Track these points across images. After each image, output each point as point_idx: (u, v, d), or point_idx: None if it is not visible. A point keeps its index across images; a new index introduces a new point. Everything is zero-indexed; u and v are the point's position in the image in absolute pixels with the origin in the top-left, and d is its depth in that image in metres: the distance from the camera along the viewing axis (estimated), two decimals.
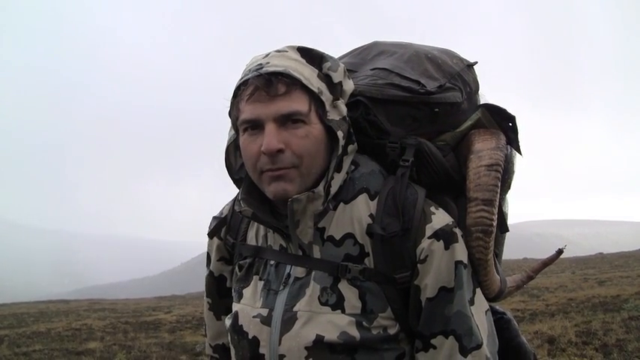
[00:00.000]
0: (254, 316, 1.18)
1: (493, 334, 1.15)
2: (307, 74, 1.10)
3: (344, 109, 1.14)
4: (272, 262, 1.21)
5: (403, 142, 1.17)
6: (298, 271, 1.16)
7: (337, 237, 1.14)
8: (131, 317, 19.82)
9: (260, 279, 1.22)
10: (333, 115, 1.12)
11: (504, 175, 1.30)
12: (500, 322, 1.35)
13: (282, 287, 1.16)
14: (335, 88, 1.14)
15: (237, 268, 1.31)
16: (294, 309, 1.12)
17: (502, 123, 1.24)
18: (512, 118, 1.23)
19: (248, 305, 1.21)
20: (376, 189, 1.15)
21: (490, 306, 1.38)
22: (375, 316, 1.10)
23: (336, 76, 1.14)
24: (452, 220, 1.14)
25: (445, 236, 1.10)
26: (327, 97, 1.12)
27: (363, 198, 1.15)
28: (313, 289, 1.12)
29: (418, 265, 1.10)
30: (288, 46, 1.15)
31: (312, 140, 1.09)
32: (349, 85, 1.18)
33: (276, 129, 1.07)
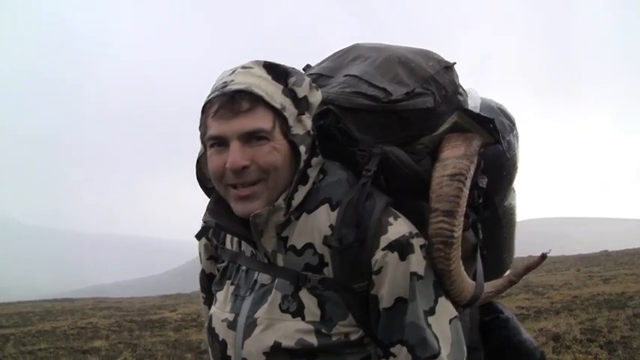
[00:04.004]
0: (222, 320, 1.23)
1: (459, 342, 1.13)
2: (270, 91, 1.11)
3: (308, 124, 1.16)
4: (244, 268, 1.25)
5: (370, 150, 1.18)
6: (264, 278, 1.19)
7: (298, 246, 1.16)
8: (136, 316, 19.86)
9: (232, 284, 1.27)
10: (297, 130, 1.13)
11: (501, 172, 1.31)
12: (495, 321, 1.37)
13: (248, 293, 1.21)
14: (300, 103, 1.15)
15: (216, 270, 1.36)
16: (255, 315, 1.16)
17: (484, 124, 1.22)
18: (489, 121, 1.21)
19: (219, 309, 1.27)
20: (338, 199, 1.16)
21: (487, 306, 1.39)
22: (334, 324, 1.11)
23: (301, 91, 1.15)
24: (409, 230, 1.12)
25: (400, 247, 1.10)
26: (291, 112, 1.13)
27: (324, 208, 1.16)
28: (274, 296, 1.15)
29: (373, 275, 1.11)
30: (254, 62, 1.15)
31: (276, 155, 1.11)
32: (316, 98, 1.18)
33: (241, 146, 1.09)
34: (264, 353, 1.12)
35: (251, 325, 1.16)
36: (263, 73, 1.13)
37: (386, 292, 1.10)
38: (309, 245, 1.15)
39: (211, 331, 1.26)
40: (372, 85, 1.20)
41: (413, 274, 1.10)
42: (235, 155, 1.09)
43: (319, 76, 1.32)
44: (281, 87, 1.13)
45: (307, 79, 1.18)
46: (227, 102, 1.09)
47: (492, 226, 1.34)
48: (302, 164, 1.14)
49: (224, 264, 1.32)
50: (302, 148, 1.13)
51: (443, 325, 1.11)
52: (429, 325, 1.09)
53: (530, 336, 1.43)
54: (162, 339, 13.38)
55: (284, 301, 1.14)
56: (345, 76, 1.27)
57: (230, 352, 1.20)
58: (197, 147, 1.24)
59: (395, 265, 1.09)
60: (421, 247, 1.12)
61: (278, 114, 1.11)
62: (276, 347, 1.11)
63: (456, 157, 1.13)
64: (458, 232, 1.11)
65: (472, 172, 1.15)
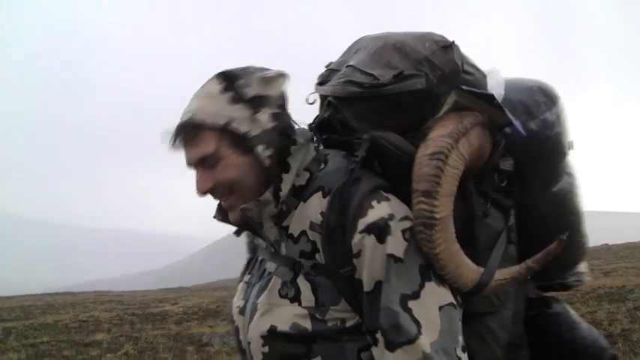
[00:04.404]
0: (236, 307, 1.30)
1: (452, 331, 1.07)
2: (213, 109, 1.16)
3: (264, 120, 1.18)
4: (260, 259, 1.32)
5: (362, 137, 1.18)
6: (271, 267, 1.24)
7: (295, 234, 1.19)
8: (138, 309, 19.90)
9: (249, 274, 1.35)
10: (255, 131, 1.17)
11: (537, 153, 1.25)
12: (542, 316, 1.30)
13: (257, 280, 1.27)
14: (252, 102, 1.18)
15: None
16: (258, 301, 1.21)
17: (489, 101, 1.18)
18: (490, 98, 1.16)
19: (236, 297, 1.34)
20: (331, 186, 1.17)
21: (534, 300, 1.32)
22: (327, 309, 1.12)
23: (250, 91, 1.18)
24: (390, 213, 1.11)
25: (377, 230, 1.09)
26: (242, 118, 1.16)
27: (317, 196, 1.18)
28: (274, 282, 1.19)
29: (354, 259, 1.11)
30: (210, 78, 1.20)
31: (231, 171, 1.17)
32: (273, 90, 1.21)
33: (202, 171, 1.19)
34: (262, 337, 1.16)
35: (253, 311, 1.20)
36: (214, 87, 1.18)
37: (366, 275, 1.10)
38: (304, 233, 1.18)
39: (230, 318, 1.34)
40: (363, 73, 1.20)
41: (389, 256, 1.08)
42: (198, 182, 1.19)
43: (332, 71, 1.33)
44: (229, 95, 1.17)
45: (257, 76, 1.20)
46: (178, 134, 1.18)
47: (541, 213, 1.29)
48: (266, 162, 1.17)
49: (248, 257, 1.39)
50: (259, 148, 1.16)
51: (429, 310, 1.07)
52: (409, 310, 1.06)
53: (598, 334, 1.32)
54: (163, 332, 13.43)
55: (283, 287, 1.17)
56: (346, 67, 1.28)
57: (241, 336, 1.25)
58: None
59: (372, 247, 1.08)
60: (404, 229, 1.10)
61: (224, 130, 1.16)
62: (272, 331, 1.14)
63: (440, 136, 1.10)
64: (440, 214, 1.07)
65: (463, 150, 1.11)
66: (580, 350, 1.28)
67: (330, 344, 1.12)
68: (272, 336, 1.14)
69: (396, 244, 1.09)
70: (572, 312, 1.36)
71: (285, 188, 1.18)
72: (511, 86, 1.33)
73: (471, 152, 1.13)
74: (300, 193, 1.21)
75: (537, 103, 1.30)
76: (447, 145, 1.08)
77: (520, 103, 1.29)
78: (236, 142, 1.16)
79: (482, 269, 1.15)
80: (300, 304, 1.14)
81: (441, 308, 1.07)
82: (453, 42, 1.20)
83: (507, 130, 1.21)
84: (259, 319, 1.17)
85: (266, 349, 1.16)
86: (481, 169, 1.20)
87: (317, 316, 1.12)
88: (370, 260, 1.09)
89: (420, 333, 1.04)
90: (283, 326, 1.13)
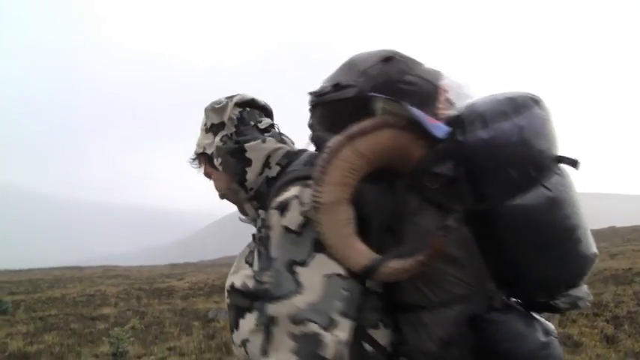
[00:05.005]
0: None
1: (332, 295, 1.20)
2: (200, 140, 1.56)
3: (217, 141, 1.51)
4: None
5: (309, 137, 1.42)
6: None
7: (260, 213, 1.41)
8: (145, 284, 20.15)
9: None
10: (214, 150, 1.51)
11: (487, 162, 1.24)
12: (476, 322, 1.26)
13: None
14: (213, 130, 1.53)
15: None
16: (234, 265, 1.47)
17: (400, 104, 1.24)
18: (396, 100, 1.23)
19: None
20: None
21: (490, 307, 1.27)
22: (263, 273, 1.30)
23: (208, 122, 1.53)
24: (296, 194, 1.27)
25: (281, 206, 1.27)
26: (210, 143, 1.52)
27: (277, 184, 1.40)
28: (244, 251, 1.46)
29: (269, 232, 1.30)
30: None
31: (216, 184, 1.55)
32: (226, 116, 1.51)
33: (213, 183, 1.58)
34: (227, 291, 1.42)
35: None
36: (202, 121, 1.55)
37: (271, 246, 1.28)
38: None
39: None
40: (320, 86, 1.39)
41: (284, 227, 1.25)
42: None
43: None
44: (205, 127, 1.54)
45: (209, 107, 1.54)
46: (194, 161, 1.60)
47: (512, 226, 1.26)
48: (220, 168, 1.49)
49: None
50: (215, 161, 1.51)
51: (313, 276, 1.21)
52: (293, 272, 1.22)
53: (556, 352, 1.25)
54: (169, 307, 13.60)
55: (249, 255, 1.40)
56: None
57: None
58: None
59: (276, 221, 1.27)
60: (305, 210, 1.25)
61: (204, 154, 1.54)
62: (232, 286, 1.39)
63: (340, 134, 1.23)
64: (324, 199, 1.21)
65: (361, 147, 1.22)
66: None
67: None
68: (232, 290, 1.39)
69: (291, 218, 1.25)
70: (523, 324, 1.27)
71: (250, 178, 1.46)
72: (486, 99, 1.35)
73: (376, 150, 1.23)
74: (272, 184, 1.42)
75: (496, 113, 1.29)
76: (337, 142, 1.22)
77: (479, 114, 1.29)
78: (210, 161, 1.53)
79: (376, 256, 1.23)
80: (253, 268, 1.36)
81: (328, 277, 1.21)
82: (393, 56, 1.34)
83: (442, 135, 1.23)
84: (228, 277, 1.44)
85: (229, 300, 1.42)
86: (413, 170, 1.26)
87: (257, 278, 1.31)
88: (274, 232, 1.27)
89: (298, 292, 1.19)
90: (238, 283, 1.37)
